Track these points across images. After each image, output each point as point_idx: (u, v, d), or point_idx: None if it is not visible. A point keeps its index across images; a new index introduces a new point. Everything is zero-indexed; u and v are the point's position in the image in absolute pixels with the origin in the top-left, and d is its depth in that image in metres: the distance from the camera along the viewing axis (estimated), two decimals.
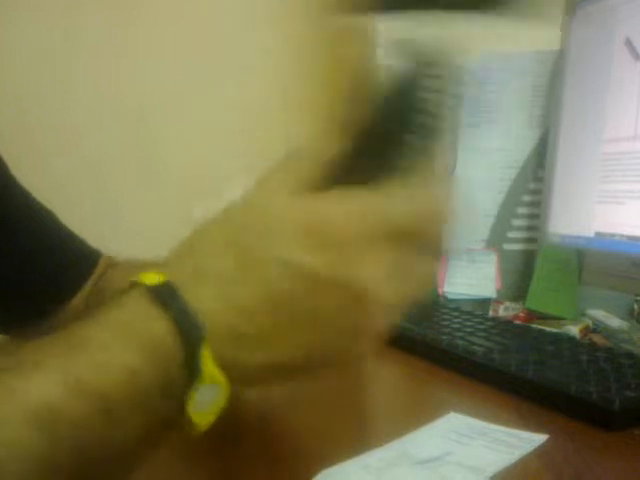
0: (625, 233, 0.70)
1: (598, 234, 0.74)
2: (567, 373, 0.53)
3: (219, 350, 0.32)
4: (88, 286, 0.66)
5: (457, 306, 0.84)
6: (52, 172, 1.06)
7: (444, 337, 0.66)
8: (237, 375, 0.33)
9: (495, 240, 0.92)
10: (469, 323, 0.72)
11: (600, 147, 0.75)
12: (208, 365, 0.31)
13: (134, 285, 0.33)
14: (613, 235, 0.72)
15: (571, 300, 0.80)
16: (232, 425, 0.49)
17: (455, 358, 0.62)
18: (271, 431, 0.48)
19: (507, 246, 0.92)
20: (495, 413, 0.50)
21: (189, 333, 0.31)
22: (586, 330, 0.75)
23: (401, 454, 0.43)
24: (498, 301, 0.89)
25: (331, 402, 0.54)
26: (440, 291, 0.92)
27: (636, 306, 0.78)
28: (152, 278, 0.32)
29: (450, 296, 0.92)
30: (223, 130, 1.19)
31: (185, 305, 0.31)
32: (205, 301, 0.32)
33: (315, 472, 0.40)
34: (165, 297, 0.32)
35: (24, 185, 0.66)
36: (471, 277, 0.92)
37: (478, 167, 0.91)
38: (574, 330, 0.74)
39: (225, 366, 0.32)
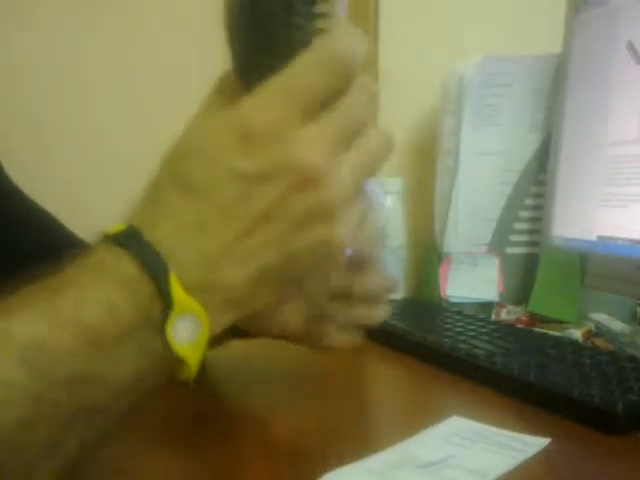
0: (628, 236, 0.70)
1: (601, 237, 0.74)
2: (570, 377, 0.53)
3: (192, 277, 0.33)
4: None
5: (460, 309, 0.84)
6: (63, 174, 1.06)
7: (446, 340, 0.66)
8: (222, 298, 0.34)
9: (497, 243, 0.92)
10: (472, 326, 0.72)
11: (603, 150, 0.75)
12: (180, 295, 0.32)
13: (102, 236, 0.34)
14: (616, 239, 0.72)
15: (574, 303, 0.80)
16: (233, 427, 0.49)
17: (457, 361, 0.62)
18: (273, 433, 0.48)
19: (509, 249, 0.92)
20: (497, 416, 0.50)
21: (153, 266, 0.32)
22: (589, 334, 0.75)
23: (404, 457, 0.42)
24: (500, 304, 0.89)
25: (333, 405, 0.54)
26: (443, 294, 0.92)
27: (639, 309, 0.78)
28: (116, 227, 0.34)
29: (453, 299, 0.92)
30: None
31: (145, 242, 0.33)
32: (166, 235, 0.33)
33: (318, 475, 0.40)
34: (127, 239, 0.33)
35: (34, 185, 0.65)
36: (473, 280, 0.92)
37: (480, 171, 0.91)
38: (576, 334, 0.74)
39: (205, 291, 0.33)
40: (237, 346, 0.58)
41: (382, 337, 0.73)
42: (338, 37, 0.34)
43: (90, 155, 1.12)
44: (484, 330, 0.70)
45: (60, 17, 1.12)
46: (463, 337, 0.67)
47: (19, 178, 0.67)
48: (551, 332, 0.73)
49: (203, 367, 0.36)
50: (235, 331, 0.55)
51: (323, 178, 0.33)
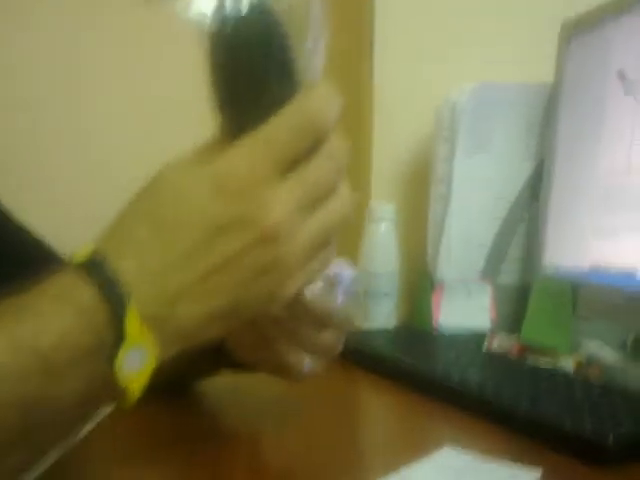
0: (620, 266, 0.70)
1: (593, 267, 0.74)
2: (561, 408, 0.53)
3: (149, 311, 0.34)
4: None
5: (452, 338, 0.83)
6: (60, 174, 1.06)
7: (438, 369, 0.66)
8: (173, 333, 0.36)
9: (490, 271, 0.92)
10: (464, 355, 0.71)
11: (595, 179, 0.75)
12: (134, 327, 0.34)
13: (70, 259, 0.35)
14: (608, 268, 0.72)
15: (566, 333, 0.80)
16: (221, 450, 0.48)
17: (449, 391, 0.61)
18: (264, 464, 0.48)
19: (502, 278, 0.92)
20: (489, 448, 0.50)
21: (112, 297, 0.34)
22: (580, 364, 0.74)
23: None
24: (493, 333, 0.88)
25: (323, 433, 0.54)
26: (435, 322, 0.92)
27: (630, 340, 0.78)
28: (84, 251, 0.35)
29: (445, 328, 0.92)
30: None
31: (108, 272, 0.34)
32: (130, 267, 0.35)
33: None
34: (90, 267, 0.34)
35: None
36: (466, 308, 0.92)
37: (473, 198, 0.91)
38: (568, 363, 0.73)
39: (158, 325, 0.35)
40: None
41: (373, 365, 0.73)
42: (312, 98, 0.37)
43: (89, 156, 1.12)
44: (476, 359, 0.70)
45: (60, 17, 1.12)
46: (455, 366, 0.67)
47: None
48: (543, 362, 0.72)
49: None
50: (228, 363, 0.55)
51: (283, 238, 0.36)
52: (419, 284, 0.97)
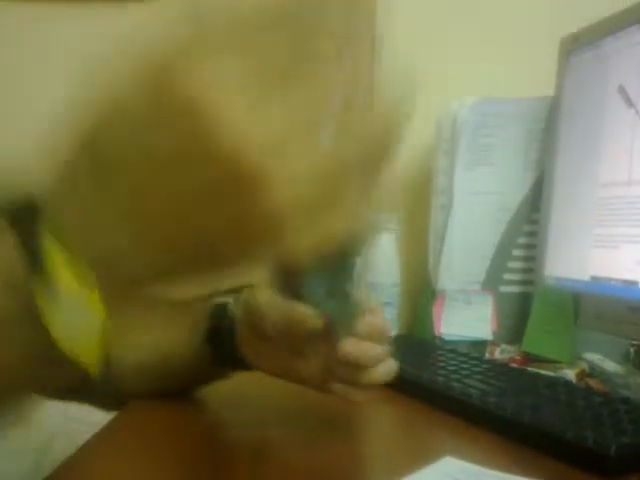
0: (620, 277, 0.70)
1: (594, 278, 0.74)
2: (563, 418, 0.53)
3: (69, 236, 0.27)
4: None
5: (453, 348, 0.84)
6: None
7: (440, 379, 0.66)
8: (120, 284, 0.28)
9: (491, 282, 0.92)
10: (465, 365, 0.72)
11: (595, 191, 0.76)
12: (63, 273, 0.26)
13: None
14: (609, 279, 0.72)
15: (567, 343, 0.80)
16: (225, 458, 0.48)
17: (451, 400, 0.62)
18: (265, 472, 0.48)
19: (503, 288, 0.92)
20: (490, 457, 0.50)
21: (19, 218, 0.27)
22: (582, 374, 0.74)
23: None
24: (494, 343, 0.89)
25: (324, 442, 0.54)
26: (436, 332, 0.92)
27: (632, 350, 0.78)
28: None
29: (446, 337, 0.92)
30: None
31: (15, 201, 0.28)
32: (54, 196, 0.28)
33: None
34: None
35: None
36: (467, 318, 0.92)
37: (474, 209, 0.92)
38: (570, 374, 0.74)
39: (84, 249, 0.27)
40: (236, 377, 0.59)
41: None
42: None
43: None
44: (478, 369, 0.70)
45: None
46: (456, 376, 0.67)
47: None
48: (545, 372, 0.73)
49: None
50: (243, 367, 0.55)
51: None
52: (420, 294, 0.98)
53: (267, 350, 0.54)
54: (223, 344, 0.56)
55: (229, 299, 0.57)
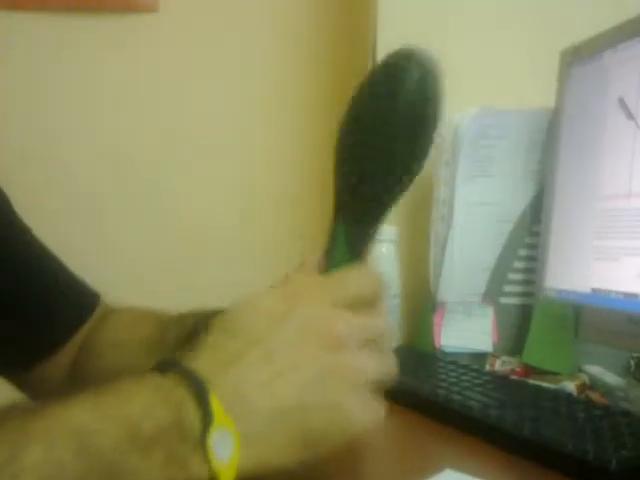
0: (621, 290, 0.70)
1: (594, 290, 0.74)
2: (564, 431, 0.53)
3: (226, 399, 0.36)
4: (85, 329, 0.66)
5: (454, 360, 0.83)
6: (50, 218, 1.07)
7: (440, 391, 0.66)
8: (247, 424, 0.36)
9: (492, 294, 0.92)
10: (465, 377, 0.71)
11: (595, 203, 0.76)
12: (219, 408, 0.35)
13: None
14: (609, 291, 0.72)
15: (568, 356, 0.80)
16: None
17: (451, 413, 0.61)
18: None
19: (504, 300, 0.92)
20: (491, 470, 0.50)
21: (192, 381, 0.35)
22: (583, 387, 0.74)
23: None
24: (495, 355, 0.88)
25: (324, 457, 0.54)
26: (437, 344, 0.92)
27: (633, 363, 0.78)
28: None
29: (446, 349, 0.92)
30: (224, 183, 1.20)
31: (184, 366, 0.36)
32: (204, 364, 0.37)
33: None
34: (165, 365, 0.36)
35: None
36: (468, 330, 0.92)
37: (475, 221, 0.92)
38: (571, 386, 0.73)
39: (234, 414, 0.36)
40: None
41: None
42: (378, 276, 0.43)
43: (79, 200, 1.13)
44: (478, 381, 0.70)
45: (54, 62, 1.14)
46: (457, 388, 0.67)
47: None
48: (545, 384, 0.72)
49: None
50: None
51: (345, 349, 0.38)
52: (421, 305, 0.97)
53: None
54: None
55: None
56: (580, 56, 0.81)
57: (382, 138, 0.39)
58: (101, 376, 0.63)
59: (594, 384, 0.75)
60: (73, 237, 1.14)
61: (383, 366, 0.42)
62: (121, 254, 1.17)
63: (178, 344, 0.57)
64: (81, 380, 0.64)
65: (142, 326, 0.64)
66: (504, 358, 0.87)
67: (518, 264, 0.92)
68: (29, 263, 0.63)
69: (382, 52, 1.03)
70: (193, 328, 0.56)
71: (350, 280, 0.42)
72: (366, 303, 0.42)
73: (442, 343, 0.92)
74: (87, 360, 0.65)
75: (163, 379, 0.36)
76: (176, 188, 1.19)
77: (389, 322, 0.43)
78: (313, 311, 0.39)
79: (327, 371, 0.38)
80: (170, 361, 0.37)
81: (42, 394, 0.65)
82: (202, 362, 0.37)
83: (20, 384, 0.64)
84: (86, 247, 1.14)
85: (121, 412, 0.34)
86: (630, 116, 0.71)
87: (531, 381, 0.75)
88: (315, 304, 0.39)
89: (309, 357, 0.38)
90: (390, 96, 0.39)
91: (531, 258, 0.91)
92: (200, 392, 0.35)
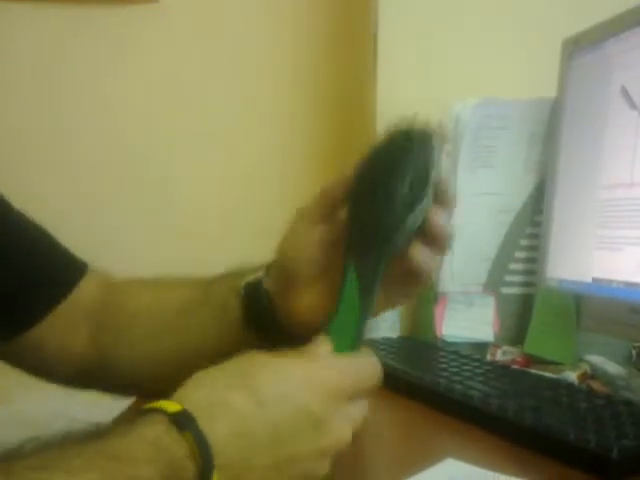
0: (622, 279, 0.70)
1: (596, 280, 0.74)
2: (565, 420, 0.53)
3: (227, 476, 0.36)
4: (79, 295, 0.65)
5: (455, 349, 0.84)
6: (50, 208, 1.07)
7: (441, 381, 0.66)
8: None
9: (493, 284, 0.92)
10: (467, 367, 0.72)
11: (597, 193, 0.76)
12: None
13: (154, 410, 0.37)
14: (611, 281, 0.72)
15: (569, 345, 0.80)
16: None
17: (452, 402, 0.62)
18: None
19: (505, 290, 0.92)
20: (492, 459, 0.50)
21: (204, 458, 0.35)
22: (584, 376, 0.74)
23: None
24: (496, 345, 0.88)
25: None
26: (438, 334, 0.92)
27: (634, 352, 0.78)
28: (171, 406, 0.37)
29: (448, 339, 0.92)
30: (223, 172, 1.20)
31: (202, 433, 0.36)
32: (220, 432, 0.37)
33: None
34: (183, 424, 0.36)
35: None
36: (469, 320, 0.92)
37: (476, 211, 0.92)
38: (572, 376, 0.73)
39: None
40: None
41: None
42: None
43: (79, 190, 1.13)
44: (479, 371, 0.70)
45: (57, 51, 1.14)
46: (458, 378, 0.67)
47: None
48: (547, 374, 0.73)
49: None
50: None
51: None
52: (423, 295, 0.97)
53: (308, 299, 0.53)
54: (262, 319, 0.55)
55: (260, 274, 0.56)
56: (582, 45, 0.80)
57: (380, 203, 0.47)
58: (124, 350, 0.62)
59: (595, 373, 0.75)
60: (75, 233, 1.13)
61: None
62: (122, 249, 1.17)
63: (225, 306, 0.56)
64: (100, 355, 0.63)
65: (174, 289, 0.63)
66: (505, 348, 0.87)
67: (519, 254, 0.92)
68: (7, 227, 0.62)
69: (383, 46, 1.03)
70: (243, 292, 0.56)
71: (364, 375, 0.44)
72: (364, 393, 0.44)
73: (443, 333, 0.92)
74: (104, 333, 0.64)
75: (177, 450, 0.36)
76: (177, 180, 1.19)
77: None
78: (332, 410, 0.41)
79: (311, 471, 0.40)
80: (188, 418, 0.37)
81: (40, 365, 0.64)
82: (218, 428, 0.37)
83: (13, 356, 0.63)
84: (87, 242, 1.14)
85: None
86: (633, 105, 0.71)
87: (532, 371, 0.75)
88: (336, 401, 0.41)
89: (307, 456, 0.40)
90: (392, 172, 0.46)
91: (532, 248, 0.91)
92: (206, 471, 0.35)
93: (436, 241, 0.49)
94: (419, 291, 0.52)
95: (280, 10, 1.20)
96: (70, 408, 0.72)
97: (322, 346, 0.44)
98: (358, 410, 0.43)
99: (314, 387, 0.41)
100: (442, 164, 0.48)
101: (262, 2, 1.19)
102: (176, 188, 1.19)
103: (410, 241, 0.48)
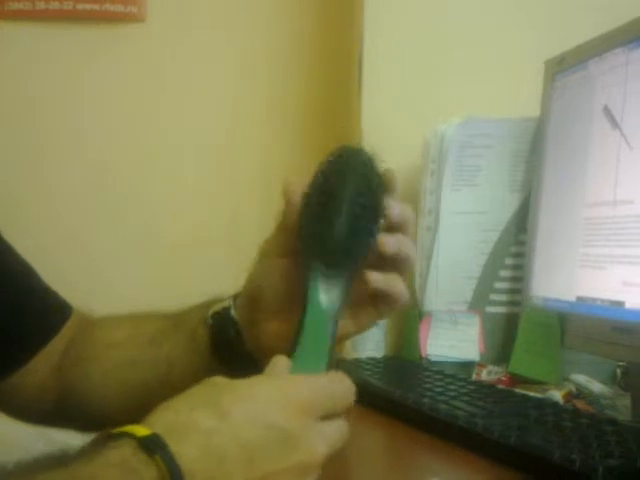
0: (607, 298, 0.70)
1: (580, 298, 0.74)
2: (550, 439, 0.52)
3: None
4: (63, 339, 0.65)
5: (440, 368, 0.83)
6: (36, 238, 1.06)
7: (426, 400, 0.65)
8: None
9: (478, 302, 0.92)
10: (452, 387, 0.71)
11: (581, 212, 0.76)
12: None
13: (122, 434, 0.37)
14: (595, 299, 0.72)
15: (554, 364, 0.80)
16: None
17: (437, 422, 0.61)
18: None
19: (490, 309, 0.92)
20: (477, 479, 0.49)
21: None
22: (569, 395, 0.74)
23: None
24: (481, 364, 0.88)
25: None
26: (423, 353, 0.92)
27: (619, 372, 0.78)
28: (140, 430, 0.37)
29: (433, 358, 0.91)
30: (209, 193, 1.20)
31: (171, 455, 0.35)
32: (190, 454, 0.36)
33: None
34: (152, 448, 0.35)
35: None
36: (454, 339, 0.92)
37: (460, 229, 0.92)
38: (557, 395, 0.73)
39: None
40: None
41: (360, 396, 0.72)
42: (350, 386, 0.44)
43: (65, 215, 1.12)
44: (464, 390, 0.70)
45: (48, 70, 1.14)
46: (443, 397, 0.66)
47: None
48: (532, 394, 0.72)
49: None
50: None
51: (316, 470, 0.40)
52: (407, 314, 0.97)
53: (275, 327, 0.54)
54: (230, 347, 0.55)
55: (227, 303, 0.56)
56: (565, 65, 0.81)
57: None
58: (95, 380, 0.62)
59: (580, 393, 0.75)
60: (55, 249, 1.12)
61: None
62: (103, 264, 1.16)
63: (193, 335, 0.57)
64: (69, 387, 0.63)
65: (146, 322, 0.63)
66: (490, 367, 0.87)
67: (504, 273, 0.92)
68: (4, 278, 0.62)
69: (368, 66, 1.04)
70: (212, 322, 0.56)
71: (335, 392, 0.43)
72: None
73: (428, 352, 0.92)
74: (75, 365, 0.64)
75: (145, 473, 0.35)
76: (160, 199, 1.18)
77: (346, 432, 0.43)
78: (303, 426, 0.40)
79: None
80: (157, 441, 0.36)
81: (17, 406, 0.64)
82: (188, 451, 0.36)
83: None
84: (67, 259, 1.13)
85: None
86: (615, 124, 0.71)
87: (517, 390, 0.75)
88: (306, 418, 0.40)
89: (282, 475, 0.38)
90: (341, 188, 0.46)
91: (517, 267, 0.91)
92: None
93: (393, 263, 0.49)
94: (392, 311, 0.52)
95: (266, 31, 1.20)
96: (47, 431, 0.71)
97: (279, 364, 0.44)
98: (333, 429, 0.42)
99: (281, 403, 0.40)
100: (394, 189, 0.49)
101: (248, 23, 1.20)
102: (162, 214, 1.19)
103: (363, 262, 0.47)
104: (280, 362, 0.44)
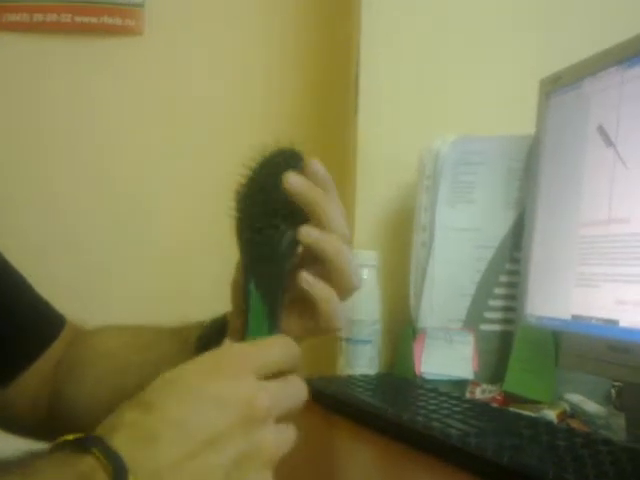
0: (601, 316, 0.70)
1: (575, 317, 0.74)
2: (544, 459, 0.52)
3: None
4: (57, 349, 0.65)
5: (434, 387, 0.82)
6: (31, 243, 1.06)
7: (420, 419, 0.65)
8: None
9: (472, 320, 0.92)
10: (445, 405, 0.70)
11: (575, 230, 0.76)
12: None
13: (57, 442, 0.37)
14: (590, 318, 0.72)
15: (548, 383, 0.79)
16: None
17: (431, 441, 0.60)
18: None
19: (484, 326, 0.92)
20: None
21: (114, 464, 0.35)
22: (563, 415, 0.74)
23: None
24: (475, 382, 0.87)
25: None
26: (417, 370, 0.91)
27: (613, 391, 0.78)
28: (74, 435, 0.37)
29: (427, 376, 0.91)
30: (206, 200, 1.19)
31: (108, 446, 0.35)
32: (122, 443, 0.36)
33: None
34: (85, 442, 0.36)
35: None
36: (448, 357, 0.91)
37: (455, 246, 0.92)
38: (551, 414, 0.73)
39: None
40: None
41: (354, 412, 0.71)
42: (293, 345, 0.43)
43: (62, 223, 1.12)
44: (458, 409, 0.69)
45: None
46: (437, 415, 0.66)
47: None
48: (526, 413, 0.72)
49: None
50: None
51: (264, 424, 0.38)
52: (401, 332, 0.97)
53: None
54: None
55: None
56: (560, 84, 0.81)
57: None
58: (87, 386, 0.62)
59: (575, 412, 0.75)
60: (53, 251, 1.12)
61: (293, 437, 0.41)
62: (102, 268, 1.15)
63: (187, 338, 0.57)
64: (61, 394, 0.63)
65: (145, 332, 0.63)
66: (484, 386, 0.86)
67: (498, 290, 0.92)
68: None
69: (364, 84, 1.04)
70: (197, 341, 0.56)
71: (270, 350, 0.42)
72: (284, 372, 0.42)
73: (422, 370, 0.91)
74: (69, 372, 0.64)
75: (84, 463, 0.35)
76: (159, 206, 1.18)
77: (304, 390, 0.42)
78: (233, 385, 0.39)
79: (246, 453, 0.38)
80: (92, 438, 0.36)
81: (9, 419, 0.64)
82: (120, 441, 0.36)
83: None
84: (67, 260, 1.13)
85: None
86: (609, 143, 0.71)
87: (511, 409, 0.74)
88: (235, 377, 0.39)
89: (227, 436, 0.37)
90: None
91: (511, 284, 0.91)
92: (120, 477, 0.35)
93: (328, 270, 0.48)
94: (321, 331, 0.50)
95: (263, 47, 1.21)
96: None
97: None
98: (275, 385, 0.41)
99: (205, 370, 0.39)
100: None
101: (244, 39, 1.20)
102: (161, 220, 1.19)
103: (289, 264, 0.48)
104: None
